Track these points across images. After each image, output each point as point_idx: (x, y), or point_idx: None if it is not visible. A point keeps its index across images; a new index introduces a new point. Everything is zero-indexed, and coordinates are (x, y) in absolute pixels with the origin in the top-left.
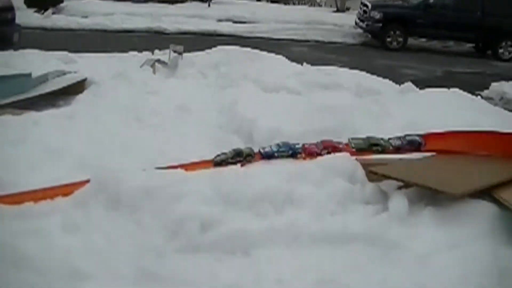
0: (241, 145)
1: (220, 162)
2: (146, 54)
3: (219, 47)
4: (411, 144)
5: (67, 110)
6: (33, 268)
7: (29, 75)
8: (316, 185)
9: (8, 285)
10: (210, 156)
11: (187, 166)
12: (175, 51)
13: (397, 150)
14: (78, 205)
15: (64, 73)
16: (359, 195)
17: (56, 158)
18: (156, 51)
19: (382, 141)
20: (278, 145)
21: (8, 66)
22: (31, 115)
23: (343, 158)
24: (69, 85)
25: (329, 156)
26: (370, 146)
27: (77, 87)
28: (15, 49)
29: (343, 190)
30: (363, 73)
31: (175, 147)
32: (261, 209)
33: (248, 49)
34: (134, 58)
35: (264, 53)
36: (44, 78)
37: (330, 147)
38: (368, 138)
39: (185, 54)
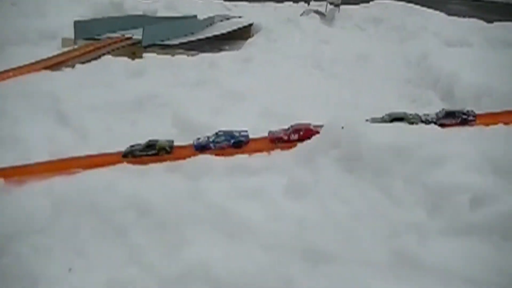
0: (439, 103)
1: (126, 154)
2: (302, 5)
3: (376, 1)
4: (453, 117)
5: (243, 53)
6: (257, 240)
7: (195, 17)
8: None
9: (229, 259)
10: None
11: (93, 159)
12: (331, 3)
13: (433, 123)
14: (304, 162)
15: (228, 18)
16: None
17: (238, 102)
18: (312, 2)
19: (409, 116)
20: (216, 134)
21: (173, 9)
22: (207, 57)
23: None
24: (237, 29)
25: None
26: (392, 121)
27: (244, 32)
28: None
29: None
30: None
31: (365, 100)
32: None
33: (404, 3)
34: (290, 8)
35: (423, 8)
36: (210, 21)
37: (303, 131)
38: (390, 114)
39: (341, 7)
